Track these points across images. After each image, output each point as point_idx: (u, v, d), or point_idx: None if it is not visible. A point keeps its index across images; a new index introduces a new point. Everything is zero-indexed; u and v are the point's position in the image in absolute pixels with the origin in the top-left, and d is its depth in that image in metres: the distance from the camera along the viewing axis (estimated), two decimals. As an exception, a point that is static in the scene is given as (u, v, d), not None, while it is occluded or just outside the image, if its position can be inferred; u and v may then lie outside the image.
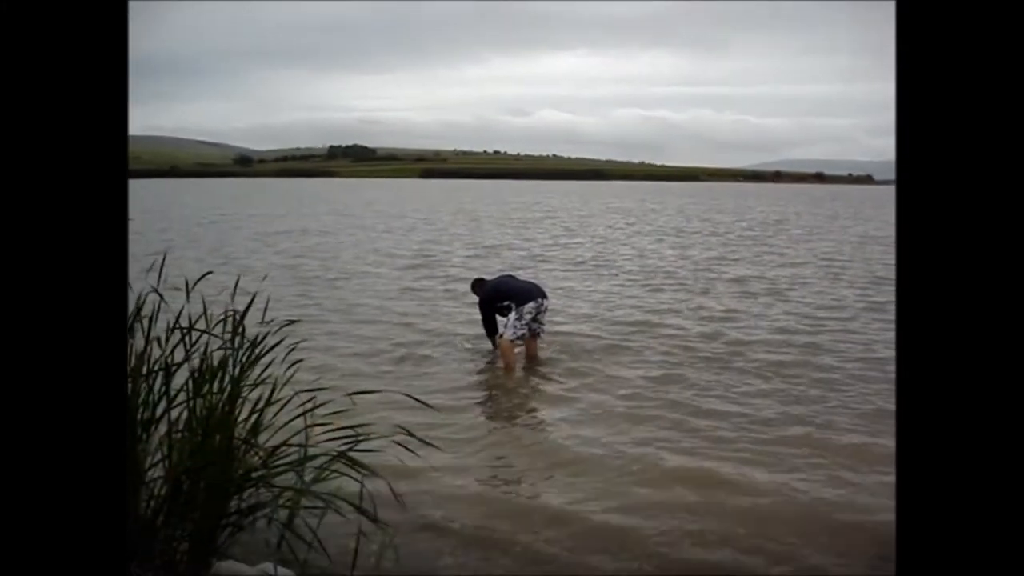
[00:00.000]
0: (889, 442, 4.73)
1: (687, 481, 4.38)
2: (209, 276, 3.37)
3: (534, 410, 6.05)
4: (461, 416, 5.71)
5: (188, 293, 3.21)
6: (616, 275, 13.52)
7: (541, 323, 7.41)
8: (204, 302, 3.27)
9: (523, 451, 5.03)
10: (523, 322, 7.20)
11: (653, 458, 4.74)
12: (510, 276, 8.12)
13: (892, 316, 8.96)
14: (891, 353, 7.16)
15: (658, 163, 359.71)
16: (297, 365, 3.57)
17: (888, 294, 10.95)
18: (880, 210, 41.85)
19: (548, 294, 7.62)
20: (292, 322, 3.56)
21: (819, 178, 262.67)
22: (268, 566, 3.19)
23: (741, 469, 4.56)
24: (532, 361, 7.37)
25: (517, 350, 7.34)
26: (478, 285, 7.95)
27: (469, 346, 8.01)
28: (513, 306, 7.25)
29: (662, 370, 6.94)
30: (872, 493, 4.15)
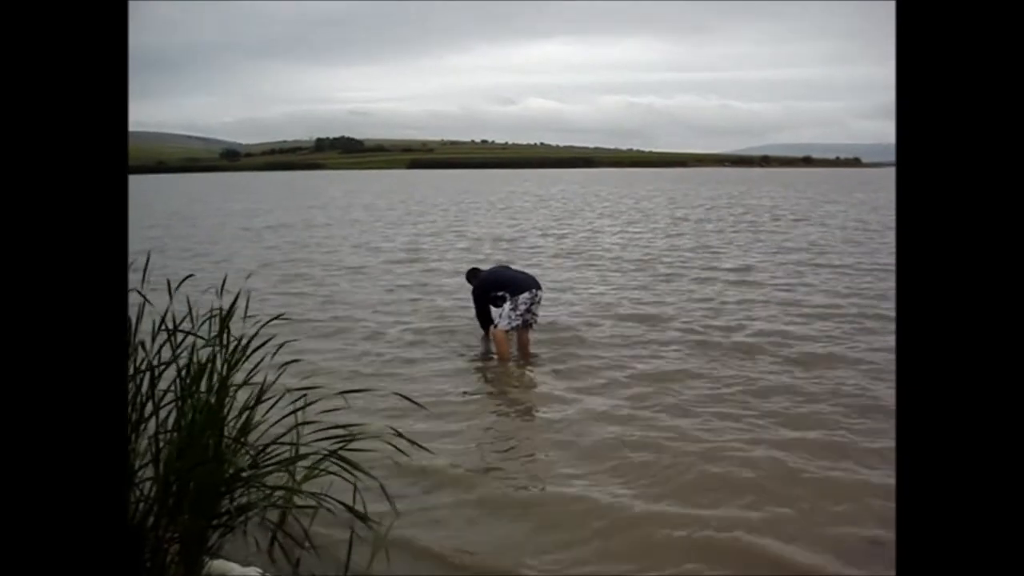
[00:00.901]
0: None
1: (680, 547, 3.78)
2: (195, 275, 3.33)
3: (517, 440, 5.36)
4: (448, 440, 5.18)
5: (171, 293, 3.17)
6: (605, 266, 13.44)
7: (535, 314, 7.39)
8: (189, 301, 3.23)
9: (500, 503, 4.33)
10: (518, 312, 7.18)
11: (627, 506, 4.18)
12: (504, 267, 8.12)
13: (890, 309, 8.80)
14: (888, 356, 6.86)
15: (646, 149, 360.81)
16: (287, 364, 3.55)
17: (884, 284, 10.84)
18: (871, 194, 41.63)
19: (542, 285, 7.59)
20: (278, 316, 3.50)
21: (807, 162, 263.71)
22: (253, 570, 3.18)
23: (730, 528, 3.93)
24: (525, 353, 7.35)
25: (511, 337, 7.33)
26: (473, 275, 7.96)
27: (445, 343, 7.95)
28: (508, 296, 7.24)
29: (657, 382, 6.40)
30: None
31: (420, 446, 3.38)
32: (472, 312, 7.94)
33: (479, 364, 7.25)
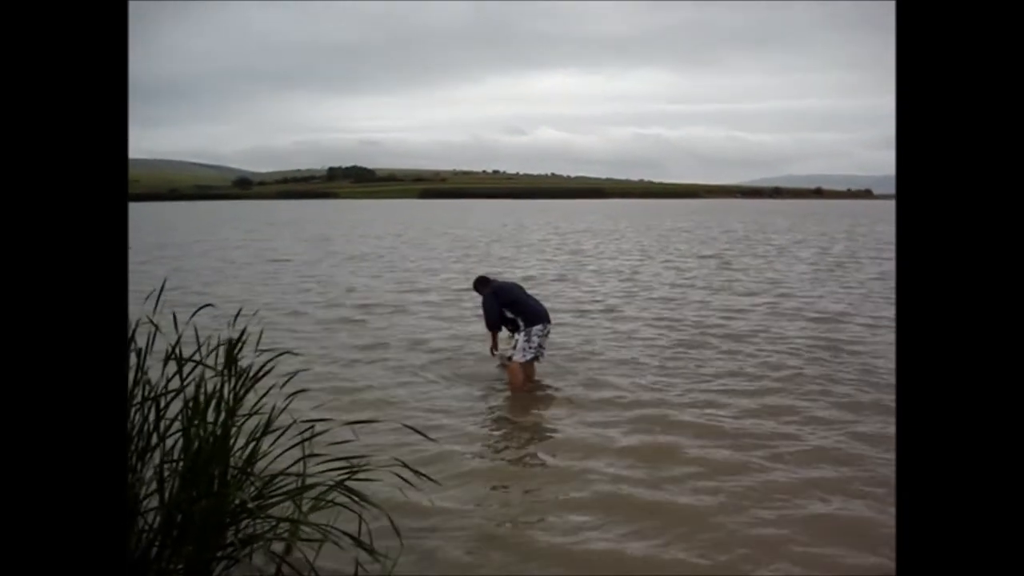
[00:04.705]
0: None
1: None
2: (214, 304, 3.32)
3: (528, 475, 5.10)
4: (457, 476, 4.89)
5: (175, 323, 3.17)
6: (620, 314, 13.38)
7: (543, 347, 7.35)
8: (196, 331, 3.23)
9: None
10: (532, 345, 7.14)
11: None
12: (518, 285, 7.89)
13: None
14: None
15: (656, 180, 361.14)
16: (294, 395, 3.54)
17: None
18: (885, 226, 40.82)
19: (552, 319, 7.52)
20: (288, 352, 3.49)
21: (818, 193, 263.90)
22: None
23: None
24: (529, 382, 7.30)
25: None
26: (483, 283, 7.72)
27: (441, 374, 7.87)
28: (522, 325, 7.19)
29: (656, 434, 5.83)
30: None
31: (427, 477, 3.34)
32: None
33: (491, 391, 7.17)
